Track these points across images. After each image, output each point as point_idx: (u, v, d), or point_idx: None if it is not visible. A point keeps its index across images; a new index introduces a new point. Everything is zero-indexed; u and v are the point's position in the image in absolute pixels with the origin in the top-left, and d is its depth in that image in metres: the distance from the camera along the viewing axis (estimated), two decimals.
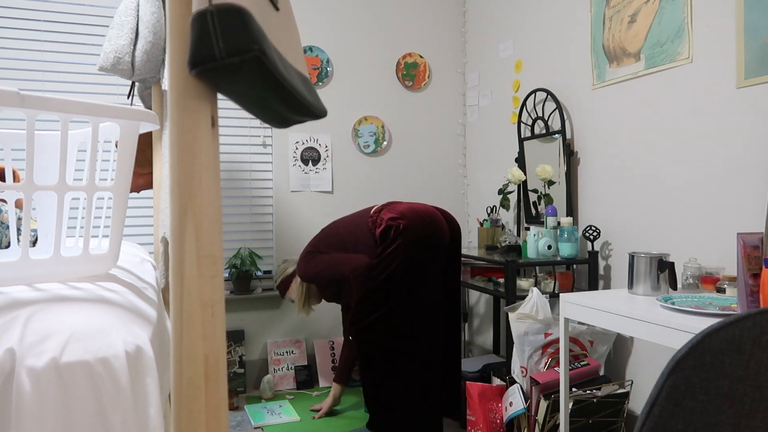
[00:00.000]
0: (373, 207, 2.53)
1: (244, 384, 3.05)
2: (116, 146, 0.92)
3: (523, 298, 2.33)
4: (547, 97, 2.77)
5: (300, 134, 3.23)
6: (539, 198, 2.82)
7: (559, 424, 1.98)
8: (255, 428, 2.56)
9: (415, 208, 2.38)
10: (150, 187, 2.19)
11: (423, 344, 2.33)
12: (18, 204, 1.16)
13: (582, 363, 2.19)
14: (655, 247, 2.21)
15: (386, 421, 2.31)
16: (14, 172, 1.18)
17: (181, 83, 0.47)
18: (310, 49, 3.24)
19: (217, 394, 0.49)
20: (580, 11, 2.59)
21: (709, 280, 1.87)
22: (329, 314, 3.28)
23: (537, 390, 2.14)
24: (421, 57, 3.47)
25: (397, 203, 2.46)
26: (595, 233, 2.40)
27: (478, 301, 3.44)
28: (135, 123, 0.90)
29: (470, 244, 3.55)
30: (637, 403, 2.29)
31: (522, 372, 2.25)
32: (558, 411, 2.07)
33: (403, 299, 2.30)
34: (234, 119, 3.12)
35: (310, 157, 3.25)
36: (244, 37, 0.45)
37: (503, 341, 3.07)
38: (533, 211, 2.88)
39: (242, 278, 3.03)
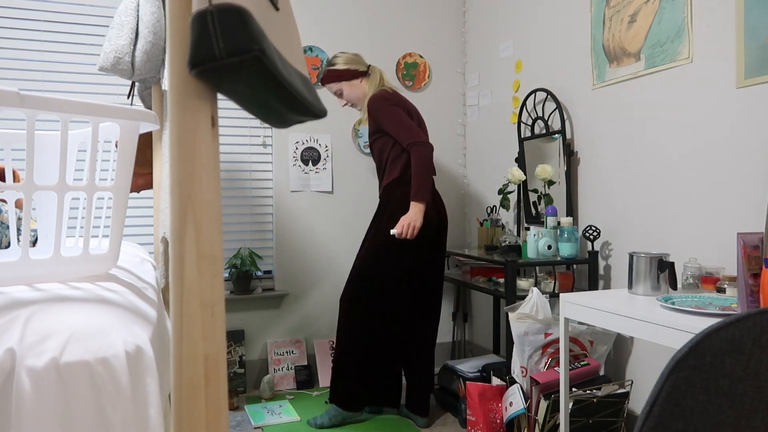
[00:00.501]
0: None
1: (244, 384, 3.05)
2: (116, 146, 0.92)
3: (523, 298, 2.33)
4: (547, 97, 2.77)
5: (300, 134, 3.23)
6: (539, 198, 2.82)
7: (559, 424, 1.98)
8: (255, 428, 2.56)
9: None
10: (150, 187, 2.19)
11: (396, 317, 2.53)
12: (18, 204, 1.16)
13: (582, 363, 2.19)
14: (655, 247, 2.21)
15: (343, 389, 2.51)
16: (14, 172, 1.18)
17: (181, 83, 0.47)
18: (310, 49, 3.24)
19: (217, 394, 0.49)
20: (580, 11, 2.59)
21: (709, 280, 1.86)
22: (329, 314, 3.28)
23: (537, 390, 2.14)
24: (421, 57, 3.47)
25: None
26: (595, 233, 2.40)
27: (478, 301, 3.44)
28: (135, 123, 0.90)
29: (470, 244, 3.55)
30: (637, 403, 2.29)
31: (522, 372, 2.25)
32: (558, 411, 2.07)
33: (399, 276, 2.50)
34: (234, 119, 3.12)
35: (310, 157, 3.25)
36: (244, 37, 0.45)
37: (503, 341, 3.07)
38: (533, 211, 2.88)
39: (242, 278, 3.03)
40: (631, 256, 1.88)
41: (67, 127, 0.79)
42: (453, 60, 3.57)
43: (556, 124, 2.73)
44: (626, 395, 2.13)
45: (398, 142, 2.49)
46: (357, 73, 2.64)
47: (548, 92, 2.72)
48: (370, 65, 2.71)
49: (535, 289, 2.28)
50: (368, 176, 3.38)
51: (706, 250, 2.01)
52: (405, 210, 2.45)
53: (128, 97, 2.10)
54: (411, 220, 2.38)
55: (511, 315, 2.27)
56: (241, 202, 3.15)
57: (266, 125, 2.79)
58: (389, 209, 2.52)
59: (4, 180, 1.18)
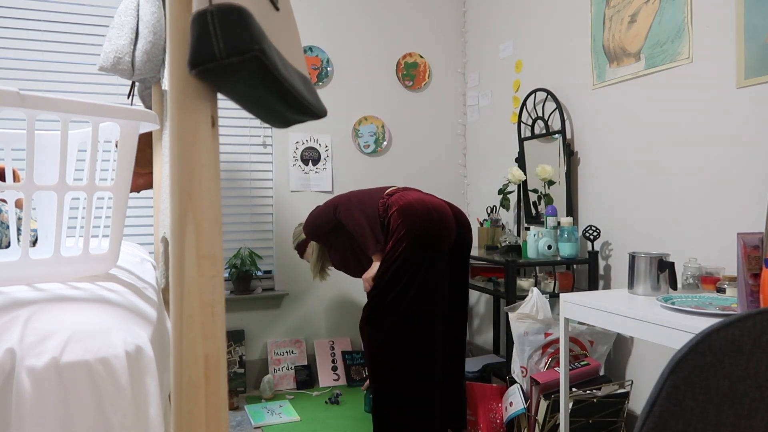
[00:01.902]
0: (389, 187, 2.42)
1: (244, 384, 3.05)
2: (116, 146, 0.92)
3: (523, 298, 2.33)
4: (547, 97, 2.77)
5: (300, 134, 3.23)
6: (539, 198, 2.82)
7: (559, 424, 1.98)
8: (255, 428, 2.56)
9: (424, 201, 2.26)
10: (150, 187, 2.19)
11: (427, 345, 2.24)
12: (18, 204, 1.16)
13: (582, 363, 2.19)
14: (655, 247, 2.21)
15: (390, 424, 2.23)
16: (14, 172, 1.18)
17: (181, 83, 0.47)
18: (310, 49, 3.24)
19: (217, 394, 0.49)
20: (580, 11, 2.59)
21: (709, 280, 1.86)
22: (329, 314, 3.28)
23: (537, 390, 2.14)
24: (421, 57, 3.47)
25: (410, 191, 2.35)
26: (595, 233, 2.40)
27: (478, 301, 3.44)
28: (135, 123, 0.90)
29: None
30: (637, 403, 2.29)
31: (522, 372, 2.25)
32: (558, 411, 2.07)
33: (411, 300, 2.20)
34: (234, 119, 3.12)
35: (310, 157, 3.25)
36: (244, 37, 0.45)
37: (503, 341, 3.07)
38: (533, 211, 2.88)
39: (242, 278, 3.03)
40: (631, 256, 1.88)
41: (67, 127, 0.79)
42: (453, 60, 3.57)
43: (556, 124, 2.73)
44: (626, 395, 2.13)
45: (333, 221, 2.42)
46: (305, 242, 2.71)
47: (548, 92, 2.72)
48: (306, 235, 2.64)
49: (535, 289, 2.27)
50: (368, 176, 3.38)
51: (706, 250, 2.00)
52: (401, 225, 2.25)
53: (128, 97, 2.10)
54: (366, 275, 2.34)
55: (511, 315, 2.27)
56: (241, 202, 3.15)
57: (266, 125, 2.79)
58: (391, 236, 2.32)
59: (4, 180, 1.18)
